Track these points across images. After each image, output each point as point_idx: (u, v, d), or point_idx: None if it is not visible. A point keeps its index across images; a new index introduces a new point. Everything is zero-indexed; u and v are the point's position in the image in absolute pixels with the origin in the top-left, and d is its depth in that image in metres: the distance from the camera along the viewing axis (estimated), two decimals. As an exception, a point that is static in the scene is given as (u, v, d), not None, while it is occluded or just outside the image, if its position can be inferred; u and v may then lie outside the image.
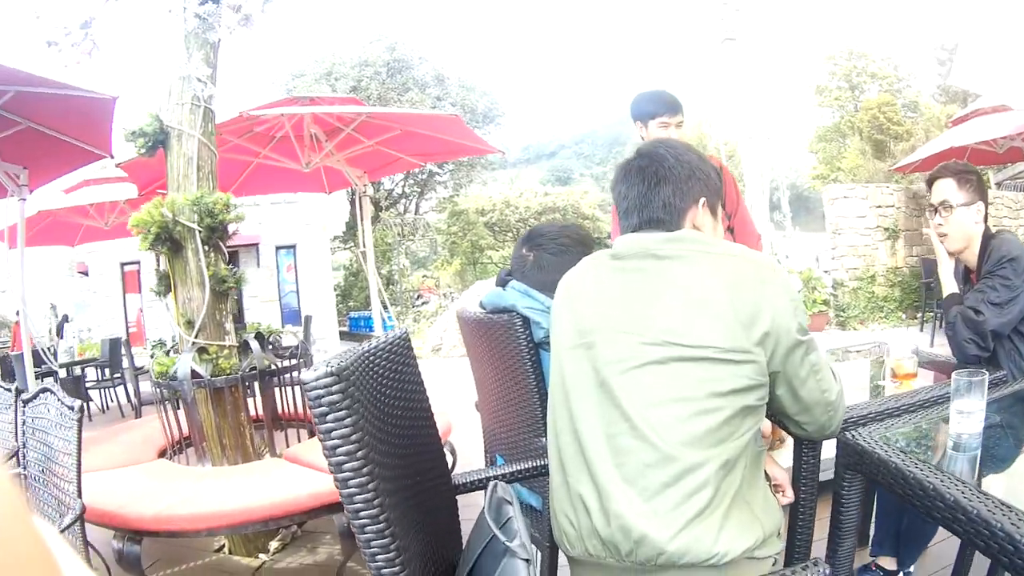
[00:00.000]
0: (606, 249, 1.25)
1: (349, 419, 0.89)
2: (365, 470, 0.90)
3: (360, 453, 0.90)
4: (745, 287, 1.05)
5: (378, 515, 0.91)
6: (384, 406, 1.07)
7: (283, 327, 8.70)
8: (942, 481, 1.07)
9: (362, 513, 0.90)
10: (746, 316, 1.03)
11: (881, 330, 8.22)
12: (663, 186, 1.16)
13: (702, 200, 1.18)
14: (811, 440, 1.38)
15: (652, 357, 1.04)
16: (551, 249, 1.87)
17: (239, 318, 4.52)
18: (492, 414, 2.09)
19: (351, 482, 0.90)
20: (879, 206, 9.03)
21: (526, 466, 1.49)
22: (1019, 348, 1.93)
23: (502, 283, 1.95)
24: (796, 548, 1.44)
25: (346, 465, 0.89)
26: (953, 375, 1.32)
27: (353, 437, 0.89)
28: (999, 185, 13.19)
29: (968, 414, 1.26)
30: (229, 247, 2.88)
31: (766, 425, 1.38)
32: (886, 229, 8.98)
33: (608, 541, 1.03)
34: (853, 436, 1.34)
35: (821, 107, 23.03)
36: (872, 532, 1.98)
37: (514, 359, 1.78)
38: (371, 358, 1.08)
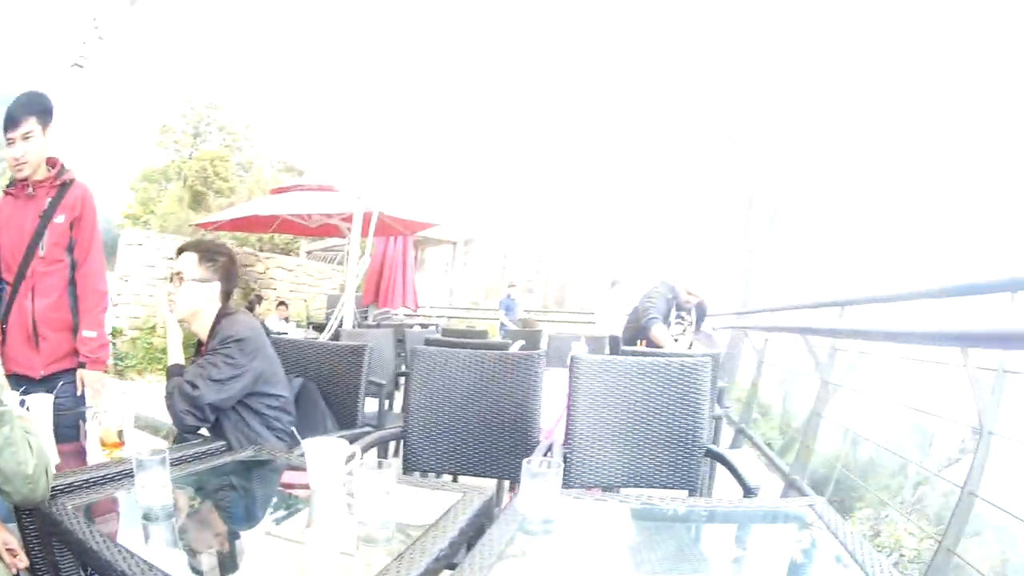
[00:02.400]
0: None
1: None
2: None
3: None
4: None
5: None
6: None
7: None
8: (113, 552, 1.09)
9: None
10: None
11: (159, 382, 7.90)
12: None
13: None
14: (25, 506, 1.31)
15: None
16: None
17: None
18: None
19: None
20: (171, 257, 9.09)
21: None
22: (245, 419, 2.10)
23: None
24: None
25: None
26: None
27: None
28: (309, 254, 15.49)
29: (152, 487, 1.27)
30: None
31: None
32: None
33: None
34: (51, 505, 1.29)
35: (159, 147, 21.89)
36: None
37: None
38: None
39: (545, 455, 2.04)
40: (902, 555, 10.91)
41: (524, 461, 1.32)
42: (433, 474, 2.39)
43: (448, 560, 1.14)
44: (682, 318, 4.48)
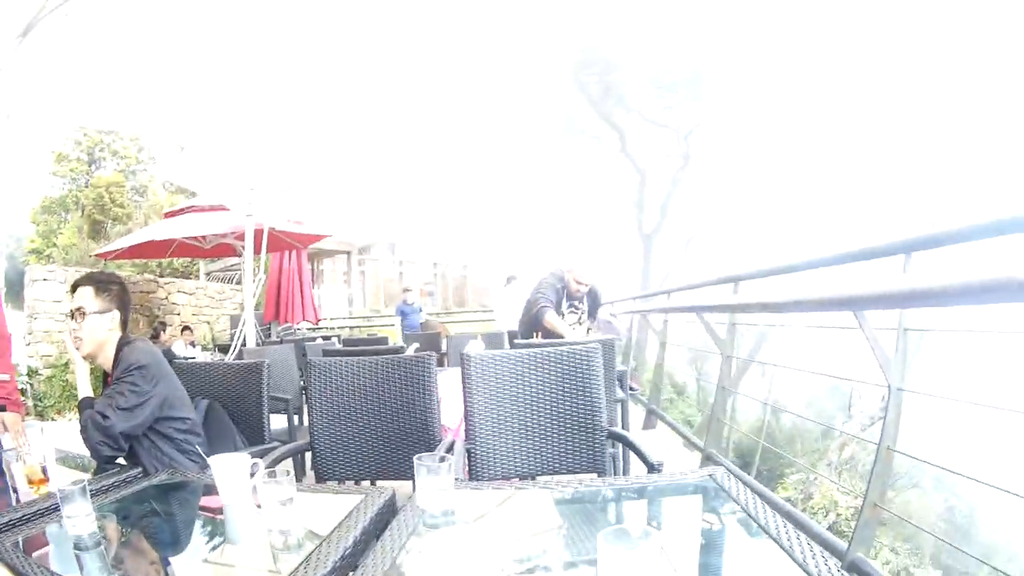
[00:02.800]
0: None
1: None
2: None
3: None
4: None
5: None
6: None
7: None
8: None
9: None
10: None
11: (77, 418, 7.94)
12: None
13: None
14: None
15: None
16: None
17: None
18: None
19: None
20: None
21: None
22: (157, 445, 2.14)
23: None
24: None
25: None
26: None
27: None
28: (209, 275, 15.32)
29: (77, 517, 1.32)
30: None
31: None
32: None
33: None
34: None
35: (56, 176, 20.86)
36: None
37: None
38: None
39: (448, 451, 2.08)
40: (839, 514, 11.42)
41: (415, 458, 1.36)
42: (352, 481, 2.39)
43: (354, 558, 1.19)
44: (575, 307, 4.46)
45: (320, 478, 2.33)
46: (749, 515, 1.23)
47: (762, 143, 21.97)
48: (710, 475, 1.49)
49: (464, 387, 2.16)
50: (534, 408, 2.16)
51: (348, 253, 18.53)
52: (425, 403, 2.29)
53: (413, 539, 1.22)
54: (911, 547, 12.17)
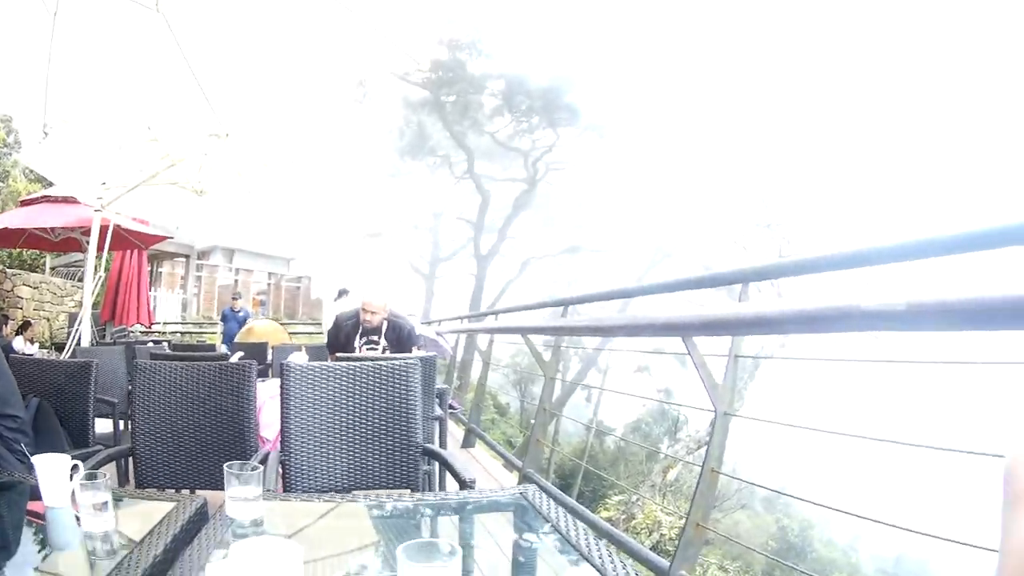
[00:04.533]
0: None
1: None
2: None
3: None
4: None
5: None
6: None
7: None
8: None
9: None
10: None
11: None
12: None
13: None
14: None
15: None
16: None
17: None
18: None
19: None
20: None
21: None
22: None
23: None
24: None
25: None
26: None
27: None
28: (53, 270, 14.95)
29: None
30: None
31: None
32: None
33: None
34: None
35: None
36: None
37: None
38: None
39: (262, 461, 1.99)
40: (662, 534, 12.02)
41: (226, 466, 1.36)
42: (173, 489, 2.34)
43: (164, 566, 1.16)
44: (374, 342, 4.08)
45: (141, 484, 2.28)
46: (559, 532, 1.23)
47: (607, 169, 23.18)
48: (521, 493, 1.48)
49: (282, 398, 2.12)
50: (351, 422, 2.17)
51: (187, 257, 18.07)
52: (243, 412, 2.29)
53: (221, 549, 1.19)
54: (741, 564, 13.20)
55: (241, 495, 1.34)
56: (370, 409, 2.16)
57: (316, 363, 2.25)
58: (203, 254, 19.02)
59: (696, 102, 22.14)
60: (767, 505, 18.07)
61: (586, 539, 1.17)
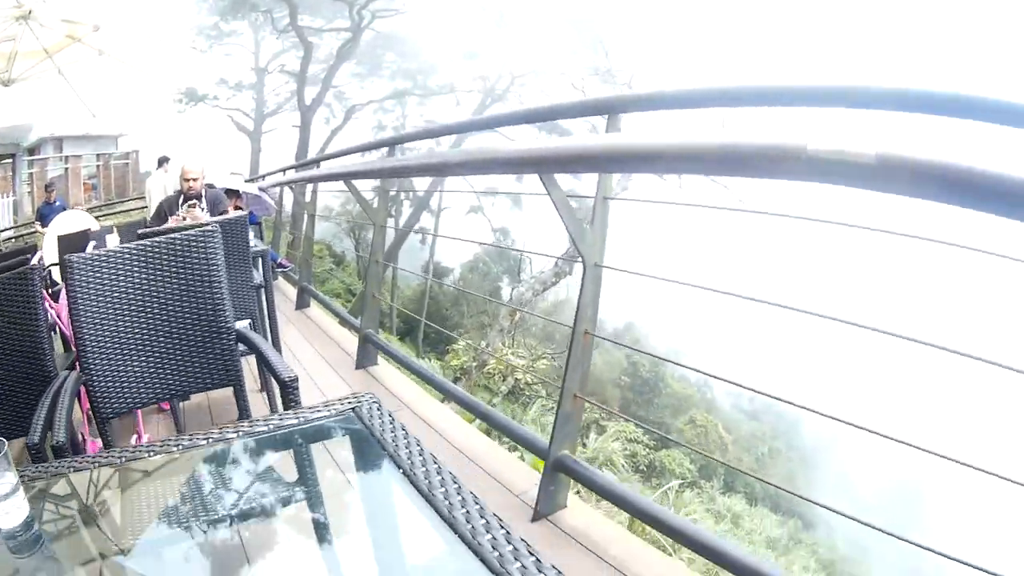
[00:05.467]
0: None
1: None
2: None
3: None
4: None
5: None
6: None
7: None
8: None
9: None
10: None
11: None
12: None
13: None
14: None
15: None
16: None
17: None
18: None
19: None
20: None
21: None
22: None
23: None
24: None
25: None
26: None
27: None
28: None
29: None
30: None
31: None
32: None
33: None
34: None
35: None
36: None
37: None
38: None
39: (59, 389, 1.62)
40: (517, 378, 12.29)
41: None
42: None
43: None
44: (196, 204, 4.03)
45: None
46: (396, 463, 1.01)
47: (435, 12, 21.69)
48: (354, 409, 1.19)
49: (69, 301, 1.71)
50: (153, 317, 1.80)
51: (13, 156, 16.62)
52: (31, 332, 1.80)
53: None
54: (597, 399, 13.77)
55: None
56: (171, 297, 1.79)
57: (103, 250, 1.80)
58: (33, 150, 17.33)
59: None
60: (615, 345, 19.06)
61: (425, 471, 0.97)
